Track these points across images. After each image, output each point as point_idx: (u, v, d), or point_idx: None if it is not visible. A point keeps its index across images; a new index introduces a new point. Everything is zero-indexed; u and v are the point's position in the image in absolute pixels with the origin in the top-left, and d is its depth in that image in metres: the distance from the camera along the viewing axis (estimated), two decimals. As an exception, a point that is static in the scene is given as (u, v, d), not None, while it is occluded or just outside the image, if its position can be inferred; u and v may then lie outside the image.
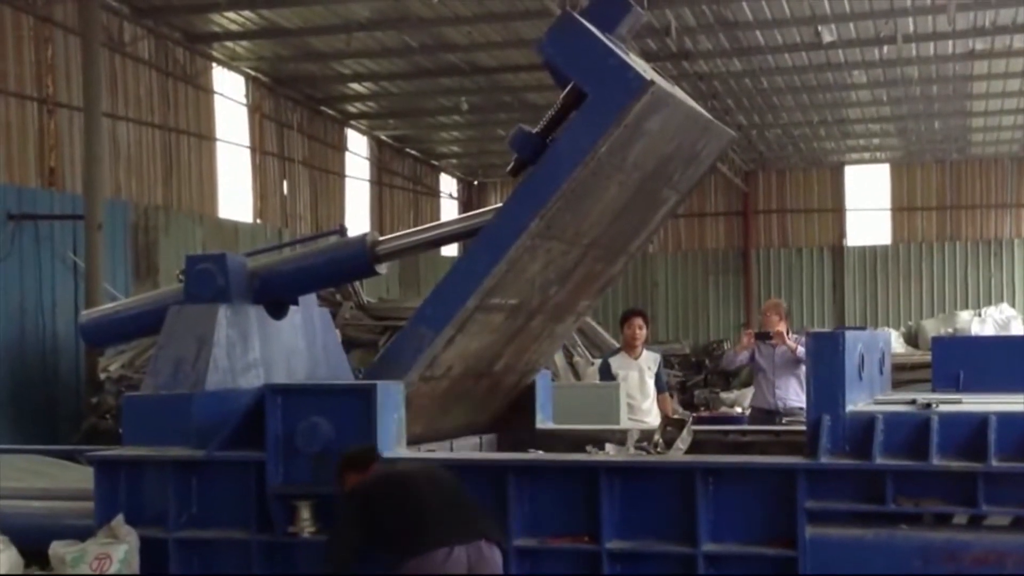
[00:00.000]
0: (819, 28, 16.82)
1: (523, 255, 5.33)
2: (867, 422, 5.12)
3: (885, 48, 17.75)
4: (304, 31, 17.04)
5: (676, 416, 7.58)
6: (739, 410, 13.77)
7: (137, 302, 6.87)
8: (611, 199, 5.66)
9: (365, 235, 6.21)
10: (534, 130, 5.47)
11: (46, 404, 13.33)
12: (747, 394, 15.38)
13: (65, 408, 13.47)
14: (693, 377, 22.06)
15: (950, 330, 19.69)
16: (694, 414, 10.84)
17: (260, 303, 6.27)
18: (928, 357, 14.61)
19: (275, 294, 6.31)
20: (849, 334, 5.36)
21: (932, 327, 20.66)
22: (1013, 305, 24.20)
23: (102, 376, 12.79)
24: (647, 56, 17.18)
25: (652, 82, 5.06)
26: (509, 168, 5.56)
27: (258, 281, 6.23)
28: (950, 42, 17.80)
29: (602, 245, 6.07)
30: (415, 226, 26.94)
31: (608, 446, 5.80)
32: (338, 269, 6.40)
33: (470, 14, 16.23)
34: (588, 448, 5.83)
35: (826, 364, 5.20)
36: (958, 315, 21.86)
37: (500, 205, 5.78)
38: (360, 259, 6.15)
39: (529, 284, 5.66)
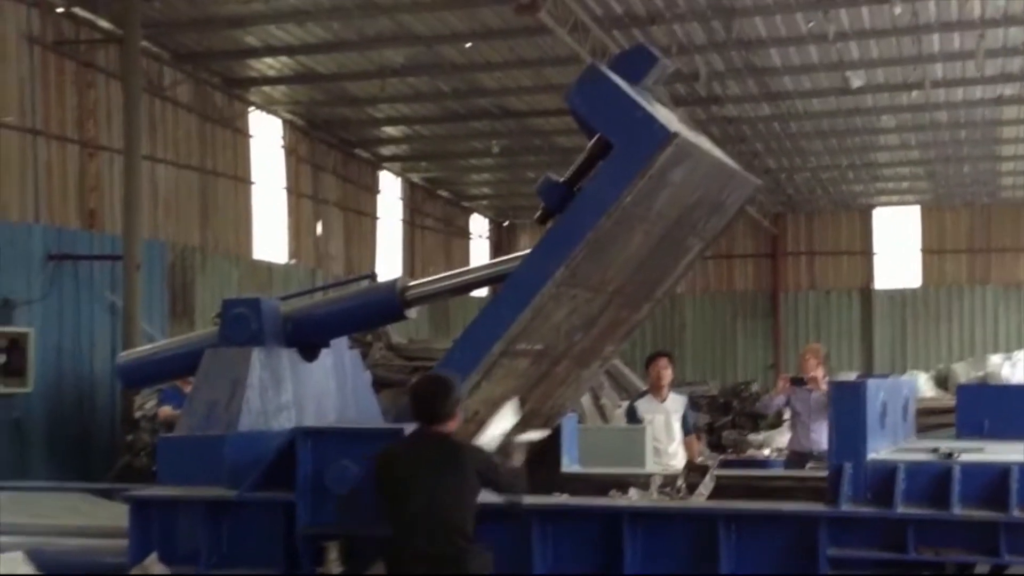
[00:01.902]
0: (847, 73, 16.92)
1: (548, 302, 5.44)
2: (889, 470, 5.18)
3: (913, 93, 17.79)
4: (339, 76, 17.34)
5: (700, 461, 7.63)
6: (767, 452, 13.78)
7: (172, 344, 7.04)
8: (636, 248, 5.77)
9: (395, 280, 6.35)
10: (561, 179, 5.61)
11: (81, 441, 13.49)
12: (775, 436, 15.44)
13: (99, 445, 13.63)
14: (721, 419, 22.01)
15: (980, 374, 19.55)
16: (721, 456, 10.86)
17: (293, 346, 6.42)
18: (951, 402, 14.59)
19: (307, 337, 6.45)
20: (871, 382, 5.43)
21: (962, 371, 20.54)
22: (1044, 350, 23.98)
23: (137, 414, 12.96)
24: (676, 101, 17.37)
25: (676, 134, 5.18)
26: (537, 216, 5.69)
27: (291, 324, 6.37)
28: (978, 88, 17.85)
29: (627, 292, 6.17)
30: (446, 266, 27.19)
31: (632, 491, 5.86)
32: (369, 313, 6.54)
33: (501, 60, 16.48)
34: (611, 493, 5.90)
35: (848, 412, 5.28)
36: (989, 359, 21.69)
37: (527, 252, 5.90)
38: (390, 304, 6.29)
39: (554, 330, 5.77)
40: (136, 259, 13.20)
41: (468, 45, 15.77)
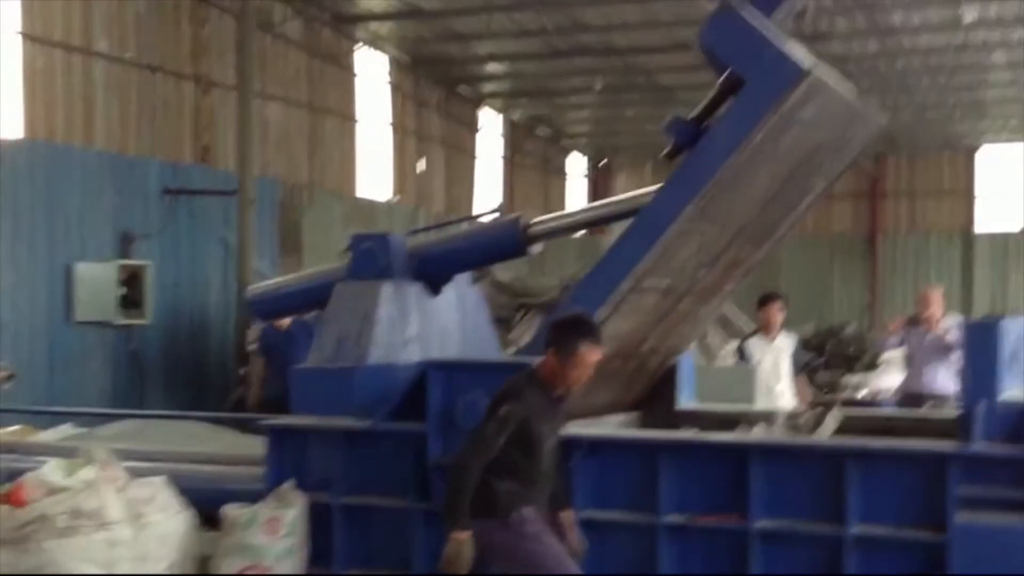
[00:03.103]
0: (960, 10, 16.40)
1: (677, 239, 5.48)
2: (1021, 410, 5.14)
3: (1027, 27, 17.23)
4: (445, 12, 17.35)
5: (823, 398, 7.62)
6: (862, 394, 13.67)
7: (302, 278, 7.22)
8: (762, 185, 5.76)
9: (518, 217, 6.41)
10: (689, 116, 5.60)
11: (196, 373, 13.89)
12: (870, 378, 15.26)
13: (214, 377, 14.03)
14: (817, 360, 21.78)
15: (1082, 319, 18.95)
16: (833, 396, 10.83)
17: (419, 281, 6.54)
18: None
19: (432, 273, 6.56)
20: (1004, 323, 5.37)
21: (1064, 316, 19.90)
22: None
23: (250, 347, 13.26)
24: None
25: (809, 72, 5.15)
26: (665, 153, 5.70)
27: (417, 260, 6.49)
28: (1098, 19, 17.19)
29: (750, 230, 6.18)
30: (544, 205, 27.12)
31: (757, 427, 5.90)
32: (492, 250, 6.63)
33: (608, -5, 16.33)
34: (739, 428, 5.94)
35: (981, 353, 5.24)
36: (1091, 304, 21.07)
37: (648, 189, 5.92)
38: (513, 240, 6.37)
39: (680, 267, 5.81)
40: (250, 195, 13.46)
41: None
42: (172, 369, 13.61)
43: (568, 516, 5.05)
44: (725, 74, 5.46)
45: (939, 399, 9.59)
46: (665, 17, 16.71)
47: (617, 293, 5.49)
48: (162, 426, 8.37)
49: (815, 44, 17.89)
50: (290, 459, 6.11)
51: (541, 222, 6.47)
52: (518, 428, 4.65)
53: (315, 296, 6.78)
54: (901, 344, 10.12)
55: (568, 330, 4.76)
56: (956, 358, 9.88)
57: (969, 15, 16.51)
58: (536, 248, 6.41)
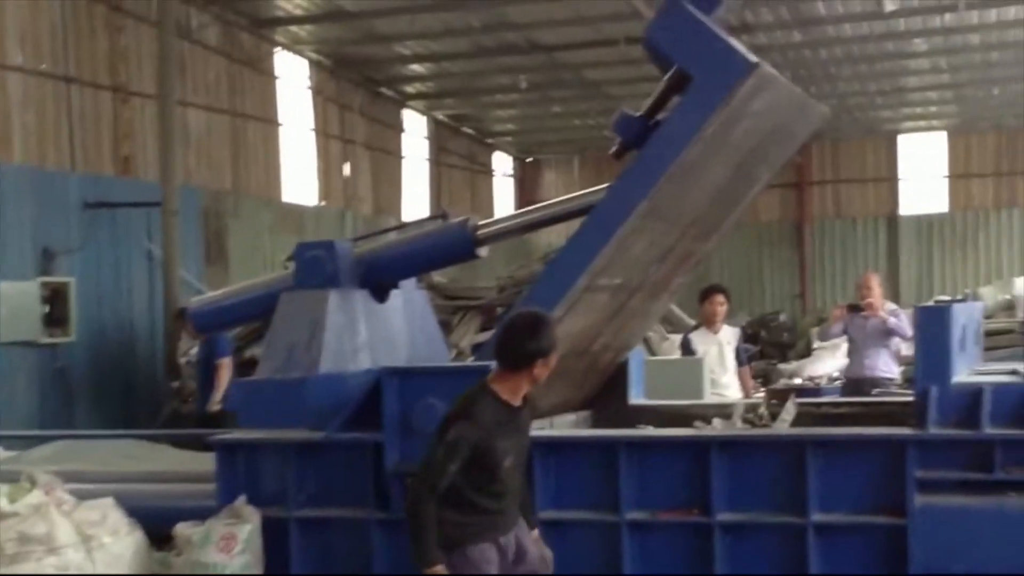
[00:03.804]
0: (881, -3, 16.69)
1: (631, 235, 5.46)
2: (974, 393, 5.23)
3: (947, 16, 17.58)
4: (367, 14, 17.18)
5: (778, 389, 7.68)
6: (798, 381, 13.85)
7: (244, 288, 7.07)
8: (713, 178, 5.78)
9: (466, 220, 6.35)
10: (637, 113, 5.58)
11: (124, 389, 13.61)
12: (805, 365, 15.48)
13: (142, 393, 13.75)
14: (752, 349, 22.02)
15: (1007, 297, 19.39)
16: (784, 386, 10.97)
17: (365, 288, 6.44)
18: (991, 325, 14.51)
19: (380, 278, 6.46)
20: (955, 307, 5.45)
21: (989, 295, 20.34)
22: (1071, 271, 23.90)
23: (182, 360, 13.04)
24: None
25: (758, 64, 5.17)
26: (612, 151, 5.67)
27: (364, 266, 6.39)
28: (1012, 8, 17.60)
29: (700, 223, 6.20)
30: (472, 204, 26.99)
31: (716, 420, 5.92)
32: (440, 253, 6.54)
33: (533, -8, 16.30)
34: (696, 423, 5.95)
35: (933, 337, 5.32)
36: (1015, 282, 21.49)
37: (595, 188, 5.89)
38: (462, 243, 6.29)
39: (633, 263, 5.80)
40: (173, 205, 13.23)
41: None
42: (100, 386, 13.32)
43: (532, 535, 4.83)
44: (671, 71, 5.44)
45: (882, 383, 9.74)
46: (591, 13, 16.74)
47: (572, 292, 5.45)
48: (97, 446, 8.17)
49: (740, 35, 18.12)
50: (242, 474, 5.99)
51: (489, 224, 6.42)
52: (472, 453, 4.35)
53: (259, 307, 6.65)
54: (845, 332, 10.25)
55: (522, 337, 4.50)
56: (896, 342, 10.09)
57: (891, 3, 16.78)
58: (484, 251, 6.36)
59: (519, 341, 4.50)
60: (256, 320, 7.40)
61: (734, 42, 5.35)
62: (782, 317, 25.70)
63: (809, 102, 6.17)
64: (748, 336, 23.18)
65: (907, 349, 10.23)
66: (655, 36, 5.38)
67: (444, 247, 6.43)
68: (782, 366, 18.51)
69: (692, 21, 5.26)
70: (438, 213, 6.77)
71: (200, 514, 5.87)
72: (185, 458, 7.47)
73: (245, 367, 11.48)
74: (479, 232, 6.26)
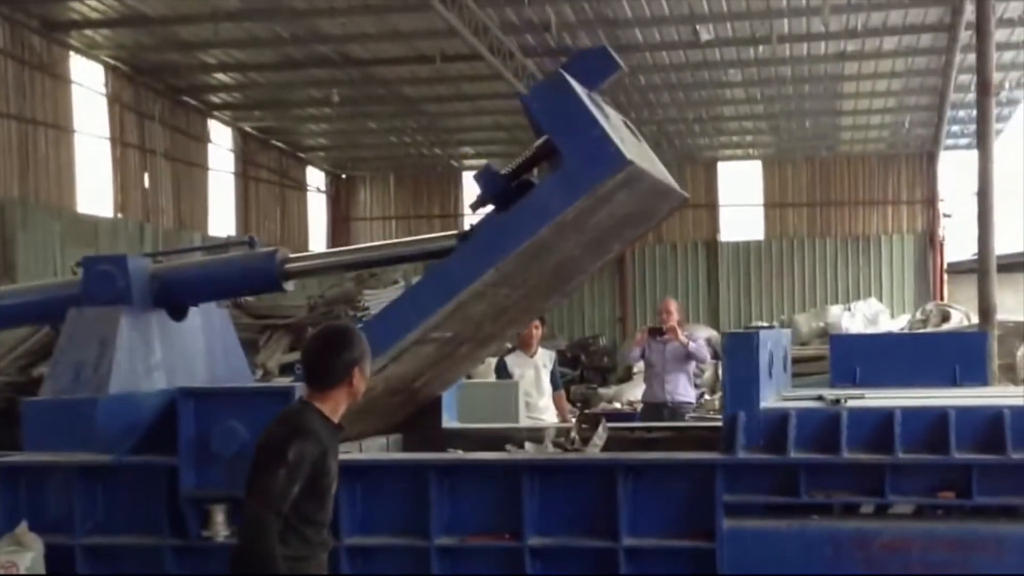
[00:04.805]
0: (697, 27, 17.19)
1: (471, 298, 5.34)
2: (781, 418, 5.29)
3: (760, 48, 18.24)
4: (168, 19, 16.57)
5: (589, 413, 7.68)
6: (618, 405, 14.01)
7: (26, 290, 6.65)
8: (564, 252, 5.70)
9: (275, 251, 6.13)
10: (502, 171, 5.41)
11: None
12: (625, 390, 15.69)
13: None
14: (570, 373, 22.20)
15: (821, 324, 20.21)
16: (590, 411, 11.01)
17: (161, 306, 6.12)
18: (804, 351, 15.05)
19: (176, 299, 6.17)
20: (762, 333, 5.52)
21: (804, 321, 21.14)
22: (880, 300, 24.91)
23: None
24: (525, 51, 17.28)
25: (631, 162, 5.05)
26: (471, 203, 5.49)
27: (159, 284, 6.08)
28: (823, 43, 18.42)
29: (542, 287, 6.15)
30: (282, 219, 26.15)
31: (527, 444, 5.83)
32: (244, 282, 6.35)
33: (345, 5, 16.03)
34: (508, 447, 5.85)
35: (741, 363, 5.35)
36: (829, 309, 22.31)
37: (410, 239, 5.93)
38: (268, 275, 6.08)
39: (468, 319, 5.66)
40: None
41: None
42: None
43: None
44: (544, 138, 5.28)
45: (680, 407, 9.91)
46: (404, 28, 16.62)
47: (401, 344, 5.30)
48: None
49: (558, 58, 18.32)
50: (24, 499, 5.59)
51: (299, 259, 6.24)
52: (311, 473, 4.00)
53: (41, 311, 6.30)
54: (642, 356, 10.36)
55: (334, 348, 4.20)
56: (694, 366, 10.30)
57: (706, 33, 17.31)
58: (290, 285, 6.13)
59: (332, 353, 4.19)
60: (34, 323, 6.90)
61: (610, 129, 5.17)
62: (602, 341, 25.95)
63: (673, 190, 6.07)
64: (567, 360, 23.53)
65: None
66: (534, 104, 5.21)
67: (248, 276, 6.22)
68: (602, 390, 18.74)
69: (574, 102, 5.09)
70: (245, 239, 6.49)
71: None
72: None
73: (31, 386, 10.80)
74: (287, 266, 6.05)
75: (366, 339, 4.30)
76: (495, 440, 6.41)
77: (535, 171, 5.50)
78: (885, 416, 5.26)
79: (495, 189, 5.34)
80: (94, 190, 18.17)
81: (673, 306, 10.17)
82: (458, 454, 5.81)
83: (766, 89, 21.53)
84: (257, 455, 4.06)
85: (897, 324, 20.72)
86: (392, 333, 5.30)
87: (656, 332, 10.08)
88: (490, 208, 5.37)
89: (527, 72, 17.77)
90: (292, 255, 6.16)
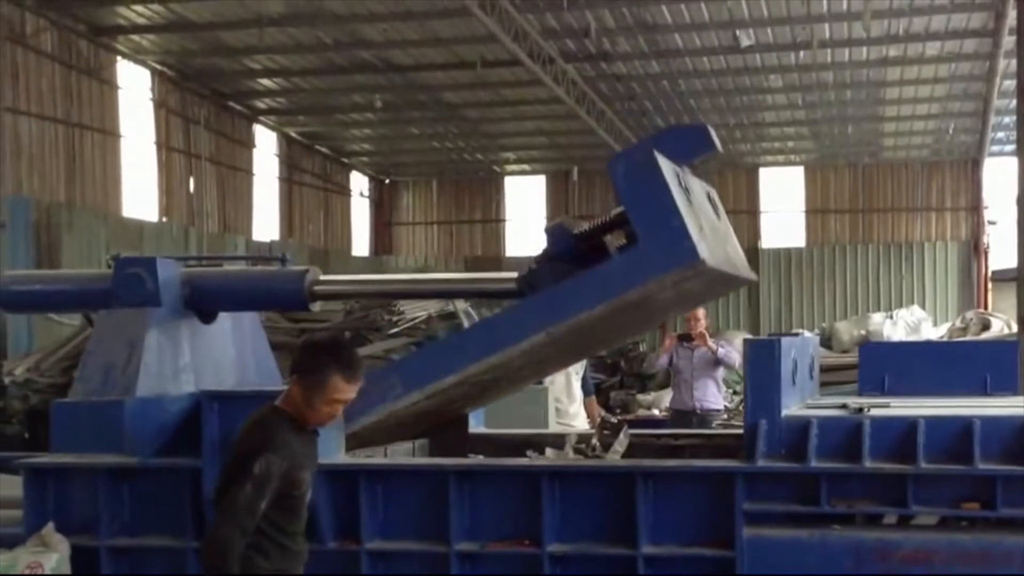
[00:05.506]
0: (737, 32, 17.12)
1: (517, 353, 5.37)
2: (802, 426, 5.24)
3: (801, 53, 18.13)
4: (214, 25, 16.78)
5: (611, 420, 7.66)
6: (657, 412, 13.94)
7: (58, 276, 6.73)
8: (614, 322, 5.68)
9: (306, 271, 6.17)
10: (575, 230, 5.41)
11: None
12: (664, 396, 15.58)
13: (-35, 412, 13.00)
14: (609, 379, 22.10)
15: (863, 332, 19.90)
16: (618, 418, 10.97)
17: (191, 309, 6.18)
18: (844, 359, 14.89)
19: (205, 305, 6.23)
20: (784, 341, 5.48)
21: (845, 329, 20.84)
22: (923, 307, 24.62)
23: (6, 380, 12.41)
24: (565, 57, 17.28)
25: (703, 260, 5.02)
26: (536, 256, 5.52)
27: (190, 289, 6.14)
28: (864, 48, 18.27)
29: (585, 346, 6.23)
30: (326, 224, 26.30)
31: (548, 450, 5.83)
32: (272, 299, 6.42)
33: (386, 11, 16.17)
34: (528, 453, 5.85)
35: (763, 370, 5.30)
36: (870, 317, 21.99)
37: (455, 276, 6.00)
38: (296, 295, 6.13)
39: (508, 366, 5.66)
40: (1, 216, 12.64)
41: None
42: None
43: None
44: (622, 209, 5.23)
45: (709, 414, 9.85)
46: (445, 34, 16.70)
47: (438, 384, 5.37)
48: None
49: (598, 63, 18.36)
50: (51, 500, 5.66)
51: (329, 282, 6.27)
52: (279, 486, 3.92)
53: (75, 299, 6.39)
54: (670, 363, 10.32)
55: (319, 356, 4.07)
56: (723, 372, 10.23)
57: (746, 39, 17.22)
58: (316, 306, 6.20)
59: (317, 354, 4.10)
60: (63, 310, 6.97)
61: (689, 217, 5.11)
62: (642, 347, 25.84)
63: (739, 277, 6.03)
64: (607, 366, 23.43)
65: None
66: (618, 172, 5.14)
67: (276, 293, 6.26)
68: (641, 396, 18.62)
69: (658, 186, 5.04)
70: (278, 256, 6.58)
71: (6, 542, 5.52)
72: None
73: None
74: (316, 287, 6.10)
75: (363, 363, 4.23)
76: (519, 446, 6.39)
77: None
78: (909, 425, 5.18)
79: (562, 248, 5.36)
80: (139, 194, 18.43)
81: (700, 312, 10.12)
82: (478, 459, 5.82)
83: (807, 95, 21.40)
84: (226, 467, 4.06)
85: (939, 332, 20.42)
86: (431, 374, 5.39)
87: (684, 338, 10.04)
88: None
89: (567, 77, 17.79)
90: (323, 277, 6.19)
